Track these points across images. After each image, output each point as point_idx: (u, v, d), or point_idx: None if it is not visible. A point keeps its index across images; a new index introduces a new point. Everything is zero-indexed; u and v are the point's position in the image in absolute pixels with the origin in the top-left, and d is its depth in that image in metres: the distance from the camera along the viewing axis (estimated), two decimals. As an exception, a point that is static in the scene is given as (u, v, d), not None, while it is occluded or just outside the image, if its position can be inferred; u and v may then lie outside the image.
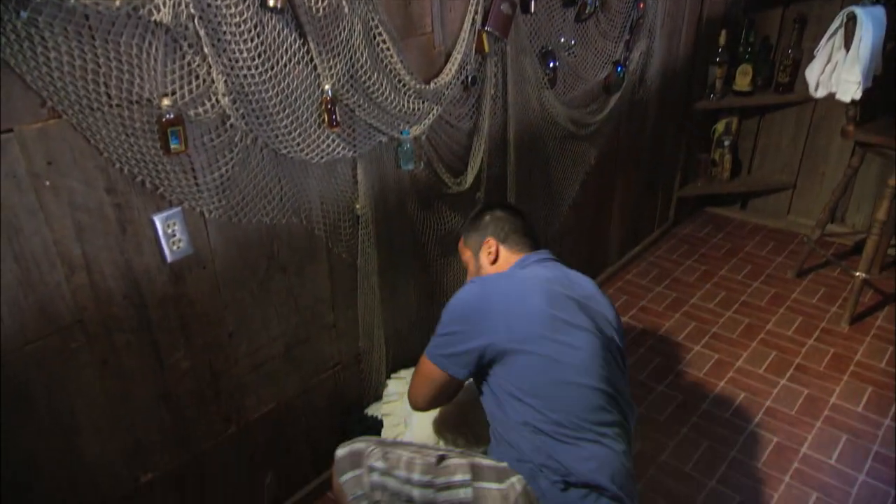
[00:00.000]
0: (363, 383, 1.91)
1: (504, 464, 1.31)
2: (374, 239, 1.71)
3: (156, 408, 1.41)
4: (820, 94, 2.47)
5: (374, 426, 1.82)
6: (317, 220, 1.60)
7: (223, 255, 1.43)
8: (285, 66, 1.33)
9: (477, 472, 1.30)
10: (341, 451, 1.41)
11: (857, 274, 2.52)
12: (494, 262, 1.52)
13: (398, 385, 1.86)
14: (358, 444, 1.39)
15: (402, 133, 1.64)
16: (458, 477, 1.30)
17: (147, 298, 1.32)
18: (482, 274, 1.54)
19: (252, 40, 1.25)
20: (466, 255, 1.61)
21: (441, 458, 1.34)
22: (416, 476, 1.31)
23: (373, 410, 1.88)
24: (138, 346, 1.34)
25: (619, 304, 2.83)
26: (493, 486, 1.28)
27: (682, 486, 1.90)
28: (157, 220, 1.28)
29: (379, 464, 1.34)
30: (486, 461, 1.33)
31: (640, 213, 3.13)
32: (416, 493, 1.31)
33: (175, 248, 1.33)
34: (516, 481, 1.28)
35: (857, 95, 2.32)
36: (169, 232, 1.31)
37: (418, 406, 1.47)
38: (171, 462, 1.48)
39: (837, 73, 2.36)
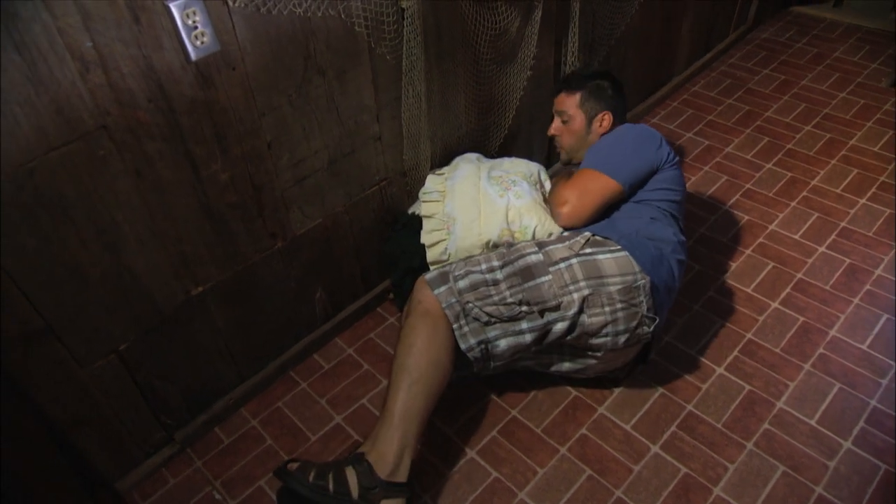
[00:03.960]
0: (408, 199, 1.82)
1: (566, 233, 1.54)
2: (422, 37, 1.50)
3: (199, 221, 1.35)
4: None
5: (411, 224, 1.73)
6: (356, 13, 1.39)
7: (254, 54, 1.26)
8: None
9: (542, 245, 1.48)
10: (430, 274, 1.47)
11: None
12: (597, 135, 1.71)
13: (437, 182, 1.71)
14: (443, 268, 1.48)
15: None
16: (528, 250, 1.46)
17: (175, 103, 1.19)
18: (587, 134, 1.73)
19: None
20: (576, 114, 1.73)
21: (510, 245, 1.55)
22: (494, 262, 1.45)
23: (414, 209, 1.79)
24: (172, 156, 1.24)
25: (683, 118, 2.59)
26: (559, 244, 1.47)
27: (745, 305, 1.84)
28: (174, 8, 1.10)
29: (460, 271, 1.44)
30: (548, 240, 1.52)
31: (716, 12, 2.74)
32: (499, 274, 1.43)
33: (199, 43, 1.16)
34: (580, 238, 1.47)
35: None
36: (189, 23, 1.13)
37: (583, 219, 1.55)
38: (219, 276, 1.45)
39: None
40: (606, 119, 1.71)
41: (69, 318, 1.22)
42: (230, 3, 1.17)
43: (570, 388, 1.66)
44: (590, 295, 1.40)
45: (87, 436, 1.38)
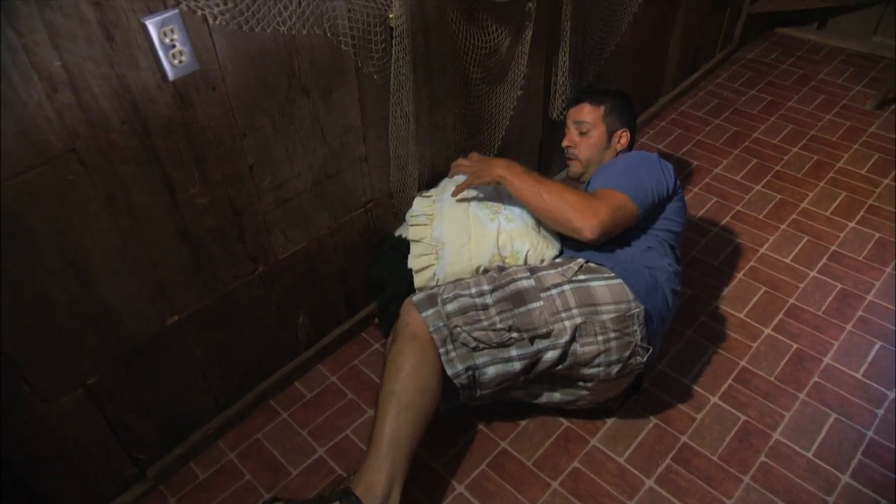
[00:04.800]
0: (395, 221, 1.77)
1: (559, 259, 1.50)
2: (411, 56, 1.45)
3: (175, 247, 1.28)
4: None
5: (398, 246, 1.67)
6: (343, 32, 1.34)
7: (235, 74, 1.20)
8: None
9: (534, 270, 1.44)
10: (418, 296, 1.41)
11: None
12: (614, 152, 1.71)
13: (424, 205, 1.64)
14: (431, 290, 1.43)
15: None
16: (520, 275, 1.42)
17: (150, 124, 1.12)
18: (605, 148, 1.70)
19: None
20: (597, 125, 1.70)
21: (501, 269, 1.49)
22: (485, 286, 1.41)
23: (401, 232, 1.73)
24: (147, 180, 1.17)
25: (671, 138, 2.57)
26: (551, 270, 1.43)
27: (738, 331, 1.80)
28: (151, 25, 1.04)
29: (449, 294, 1.39)
30: (540, 265, 1.48)
31: (703, 31, 2.74)
32: (489, 299, 1.38)
33: (176, 62, 1.10)
34: (574, 264, 1.43)
35: None
36: (167, 42, 1.07)
37: (605, 238, 1.45)
38: (197, 303, 1.38)
39: None
40: (625, 137, 1.70)
41: (33, 351, 1.15)
42: (210, 21, 1.11)
43: (561, 419, 1.60)
44: (582, 323, 1.35)
45: (51, 473, 1.30)
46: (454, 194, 1.58)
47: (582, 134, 1.71)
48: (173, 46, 1.08)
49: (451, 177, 1.65)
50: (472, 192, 1.62)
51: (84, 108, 1.03)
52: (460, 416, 1.60)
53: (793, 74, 2.90)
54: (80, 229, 1.11)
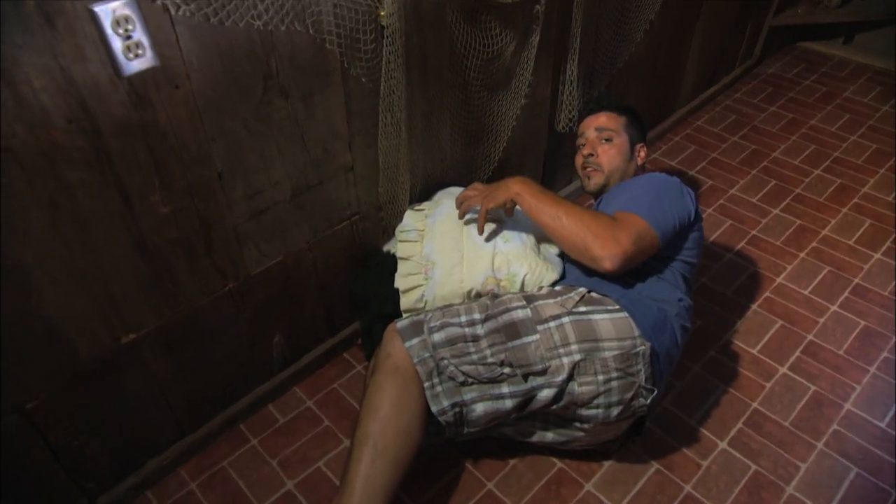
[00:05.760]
0: (384, 235, 1.64)
1: (559, 288, 1.36)
2: (403, 58, 1.33)
3: (131, 260, 1.16)
4: None
5: (386, 263, 1.55)
6: (328, 29, 1.21)
7: (202, 71, 1.08)
8: None
9: (531, 299, 1.31)
10: (402, 323, 1.29)
11: None
12: (635, 165, 1.62)
13: (416, 219, 1.52)
14: (417, 316, 1.31)
15: None
16: (515, 304, 1.29)
17: (102, 124, 1.00)
18: (627, 161, 1.60)
19: None
20: (621, 133, 1.60)
21: (495, 296, 1.36)
22: (476, 315, 1.28)
23: (389, 247, 1.62)
24: (98, 185, 1.05)
25: (685, 154, 2.44)
26: (550, 300, 1.30)
27: (750, 369, 1.66)
28: (101, 12, 0.92)
29: (436, 322, 1.27)
30: (538, 293, 1.35)
31: (723, 43, 2.60)
32: (480, 329, 1.26)
33: (132, 55, 0.98)
34: (575, 294, 1.30)
35: None
36: (121, 32, 0.95)
37: (626, 269, 1.29)
38: (157, 321, 1.26)
39: None
40: (643, 151, 1.64)
41: (-40, 373, 1.03)
42: (172, 12, 0.99)
43: (554, 460, 1.47)
44: (581, 360, 1.22)
45: (-12, 504, 1.18)
46: (480, 232, 1.41)
47: (606, 141, 1.59)
48: (129, 38, 0.96)
49: (463, 215, 1.45)
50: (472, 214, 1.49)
51: (21, 104, 0.91)
52: (444, 451, 1.47)
53: (816, 91, 2.76)
54: (14, 240, 0.99)
